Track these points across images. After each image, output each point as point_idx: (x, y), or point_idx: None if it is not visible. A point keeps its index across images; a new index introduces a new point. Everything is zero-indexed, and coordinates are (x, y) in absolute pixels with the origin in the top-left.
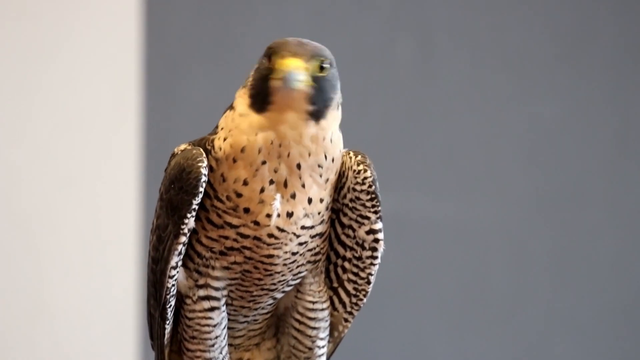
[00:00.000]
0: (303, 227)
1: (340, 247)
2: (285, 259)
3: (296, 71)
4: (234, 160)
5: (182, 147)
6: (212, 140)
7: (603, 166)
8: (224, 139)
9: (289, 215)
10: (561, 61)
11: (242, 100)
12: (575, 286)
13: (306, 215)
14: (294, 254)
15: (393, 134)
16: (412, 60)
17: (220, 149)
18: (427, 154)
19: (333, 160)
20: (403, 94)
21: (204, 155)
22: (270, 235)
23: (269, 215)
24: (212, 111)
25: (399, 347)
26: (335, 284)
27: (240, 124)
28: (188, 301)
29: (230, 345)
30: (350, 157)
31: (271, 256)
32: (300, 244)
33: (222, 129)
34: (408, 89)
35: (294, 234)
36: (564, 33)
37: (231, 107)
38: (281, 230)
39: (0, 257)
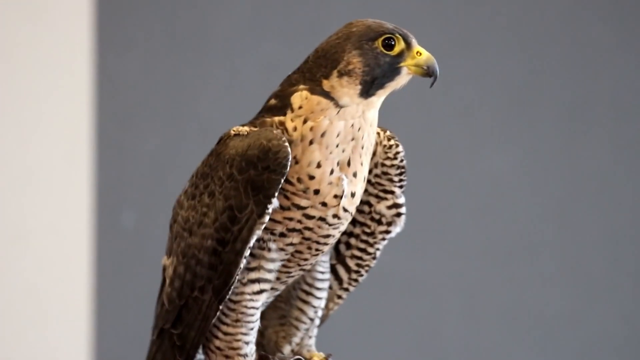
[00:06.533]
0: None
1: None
2: (335, 238)
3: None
4: (310, 143)
5: (245, 128)
6: (281, 122)
7: (555, 217)
8: (304, 121)
9: (353, 195)
10: (513, 112)
11: (346, 89)
12: (527, 339)
13: (360, 194)
14: (341, 232)
15: None
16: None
17: (295, 129)
18: None
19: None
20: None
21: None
22: (335, 216)
23: (336, 196)
24: (162, 163)
25: None
26: (334, 261)
27: (326, 108)
28: (236, 284)
29: None
30: (379, 133)
31: (328, 236)
32: (349, 222)
33: (300, 107)
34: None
35: (350, 213)
36: (515, 83)
37: (311, 89)
38: (345, 210)
39: None
